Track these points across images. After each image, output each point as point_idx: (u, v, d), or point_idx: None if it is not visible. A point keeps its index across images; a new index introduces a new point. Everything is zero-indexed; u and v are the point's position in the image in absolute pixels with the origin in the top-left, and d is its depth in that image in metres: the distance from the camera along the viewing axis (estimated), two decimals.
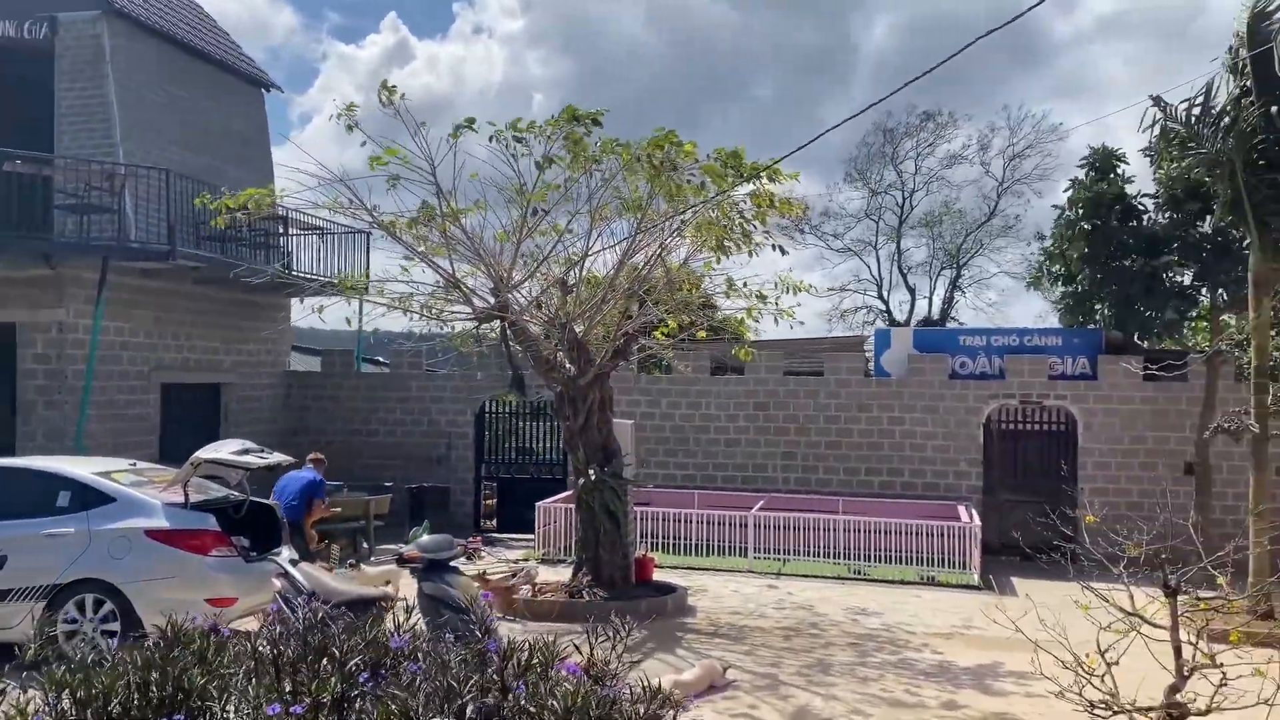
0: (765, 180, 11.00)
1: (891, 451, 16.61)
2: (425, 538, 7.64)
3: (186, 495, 8.92)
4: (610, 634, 4.05)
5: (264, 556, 8.58)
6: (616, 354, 11.99)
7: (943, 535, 14.15)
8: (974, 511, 15.08)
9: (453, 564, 7.42)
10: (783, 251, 11.48)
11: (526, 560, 14.72)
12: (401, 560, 8.16)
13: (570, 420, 11.91)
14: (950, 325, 34.65)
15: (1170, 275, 14.94)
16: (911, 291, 38.72)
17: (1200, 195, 14.17)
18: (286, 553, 8.21)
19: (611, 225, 12.17)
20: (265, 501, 9.95)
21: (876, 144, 37.91)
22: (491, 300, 11.41)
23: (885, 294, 38.93)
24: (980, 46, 7.49)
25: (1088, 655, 5.47)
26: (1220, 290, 14.58)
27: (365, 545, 14.89)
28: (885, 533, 14.51)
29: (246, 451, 8.99)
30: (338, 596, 6.94)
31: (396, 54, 75.39)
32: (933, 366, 16.62)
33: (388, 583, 10.12)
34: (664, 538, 15.03)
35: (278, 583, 7.47)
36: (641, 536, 14.62)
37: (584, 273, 11.93)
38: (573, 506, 12.91)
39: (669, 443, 17.47)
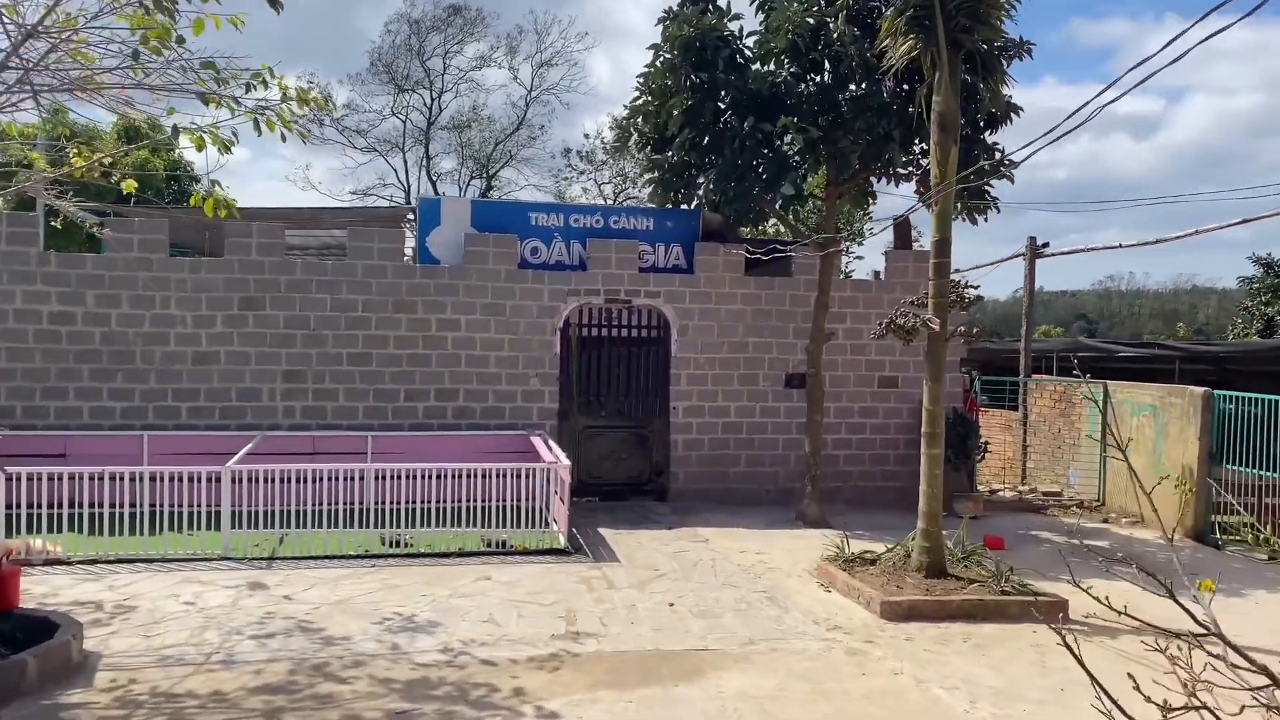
0: None
1: (442, 367, 12.16)
2: None
3: None
4: None
5: None
6: None
7: (519, 479, 10.09)
8: (553, 444, 11.22)
9: None
10: (274, 4, 6.17)
11: None
12: None
13: None
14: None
15: (786, 143, 12.01)
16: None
17: (821, 39, 11.36)
18: None
19: None
20: None
21: (402, 35, 34.58)
22: None
23: (414, 201, 35.85)
24: None
25: None
26: (835, 163, 11.91)
27: None
28: (435, 479, 10.05)
29: None
30: None
31: None
32: (498, 252, 12.35)
33: None
34: (80, 508, 9.17)
35: None
36: (32, 512, 8.72)
37: None
38: None
39: (100, 359, 11.34)
